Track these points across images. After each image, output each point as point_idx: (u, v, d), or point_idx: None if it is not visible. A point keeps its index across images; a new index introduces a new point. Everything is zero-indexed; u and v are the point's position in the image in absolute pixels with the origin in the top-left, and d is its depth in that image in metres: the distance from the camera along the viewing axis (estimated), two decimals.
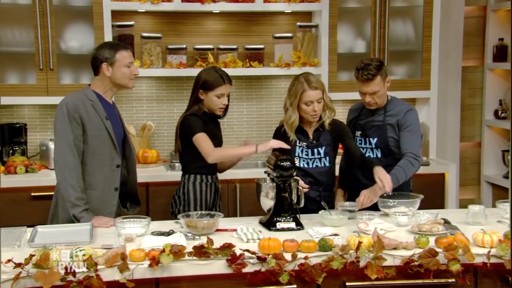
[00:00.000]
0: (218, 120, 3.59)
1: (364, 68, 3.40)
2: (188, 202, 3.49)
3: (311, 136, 3.46)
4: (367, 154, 3.50)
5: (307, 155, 3.44)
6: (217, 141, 3.50)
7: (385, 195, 3.36)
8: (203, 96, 3.44)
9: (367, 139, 3.50)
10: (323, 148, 3.45)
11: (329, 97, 3.46)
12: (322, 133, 3.46)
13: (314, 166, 3.44)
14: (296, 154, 3.45)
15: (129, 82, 3.30)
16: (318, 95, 3.37)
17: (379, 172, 3.20)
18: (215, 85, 3.40)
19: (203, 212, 3.22)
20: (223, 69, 4.52)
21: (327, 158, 3.45)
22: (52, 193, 3.93)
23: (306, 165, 3.44)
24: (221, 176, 3.74)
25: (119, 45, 3.32)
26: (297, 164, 3.38)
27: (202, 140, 3.35)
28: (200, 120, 3.41)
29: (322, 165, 3.44)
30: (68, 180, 3.15)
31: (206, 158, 3.32)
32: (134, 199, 3.50)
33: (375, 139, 3.48)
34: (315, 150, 3.45)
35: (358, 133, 3.53)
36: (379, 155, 3.48)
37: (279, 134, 3.47)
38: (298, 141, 3.45)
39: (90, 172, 3.23)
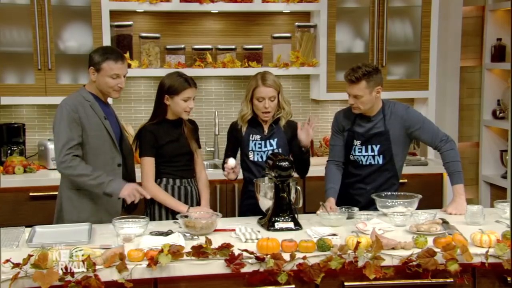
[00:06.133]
0: (195, 123, 3.59)
1: (353, 69, 3.40)
2: (153, 205, 3.45)
3: (266, 130, 3.50)
4: (368, 162, 3.47)
5: (260, 147, 3.46)
6: (180, 146, 3.45)
7: (383, 194, 3.37)
8: (168, 102, 3.41)
9: (368, 146, 3.45)
10: (276, 140, 3.47)
11: (287, 100, 3.52)
12: (277, 129, 3.49)
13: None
14: (250, 148, 3.48)
15: (112, 92, 3.28)
16: (270, 93, 3.41)
17: None
18: (181, 89, 3.38)
19: (202, 212, 3.22)
20: (221, 69, 4.59)
21: (280, 150, 3.45)
22: (51, 193, 3.95)
23: (260, 159, 3.46)
24: (220, 176, 3.74)
25: (111, 54, 3.25)
26: (251, 158, 3.44)
27: (144, 167, 3.41)
28: (151, 138, 3.39)
29: None
30: (73, 173, 3.15)
31: (142, 185, 3.37)
32: None
33: (378, 146, 3.44)
34: (268, 142, 3.47)
35: (357, 142, 3.47)
36: (380, 162, 3.46)
37: (232, 128, 3.58)
38: (251, 135, 3.49)
39: None
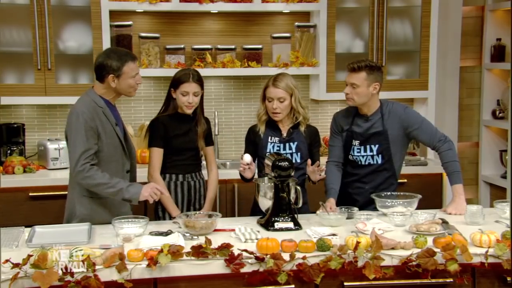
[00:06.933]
0: (207, 120, 3.64)
1: (357, 60, 3.45)
2: (158, 201, 3.47)
3: (284, 133, 3.50)
4: (367, 161, 3.48)
5: (278, 150, 3.46)
6: (188, 140, 3.52)
7: (383, 194, 3.38)
8: (174, 95, 3.50)
9: (367, 146, 3.46)
10: (295, 143, 3.48)
11: (304, 105, 3.50)
12: (296, 133, 3.50)
13: None
14: (268, 150, 3.47)
15: (132, 91, 3.29)
16: (279, 94, 3.42)
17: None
18: (179, 82, 3.46)
19: (202, 212, 3.23)
20: (221, 69, 4.58)
21: (299, 154, 3.47)
22: (51, 193, 3.94)
23: None
24: (219, 176, 3.74)
25: (127, 56, 3.24)
26: (264, 161, 3.40)
27: (152, 157, 3.51)
28: (162, 130, 3.47)
29: (294, 161, 3.41)
30: (92, 182, 3.12)
31: (149, 174, 3.51)
32: None
33: (377, 146, 3.45)
34: (287, 145, 3.47)
35: (356, 142, 3.48)
36: (379, 161, 3.47)
37: (250, 132, 3.59)
38: (270, 137, 3.50)
39: None
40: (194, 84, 3.46)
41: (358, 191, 3.52)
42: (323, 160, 3.63)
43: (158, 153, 3.49)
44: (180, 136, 3.50)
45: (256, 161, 3.49)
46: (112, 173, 3.20)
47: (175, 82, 3.49)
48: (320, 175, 3.36)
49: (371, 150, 3.46)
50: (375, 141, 3.45)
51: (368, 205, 3.42)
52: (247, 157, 3.36)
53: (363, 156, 3.48)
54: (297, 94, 3.46)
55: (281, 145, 3.48)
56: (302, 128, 3.51)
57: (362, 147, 3.47)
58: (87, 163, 3.10)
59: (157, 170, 3.49)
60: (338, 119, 3.59)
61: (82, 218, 3.18)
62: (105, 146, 3.19)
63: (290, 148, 3.47)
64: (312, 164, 3.33)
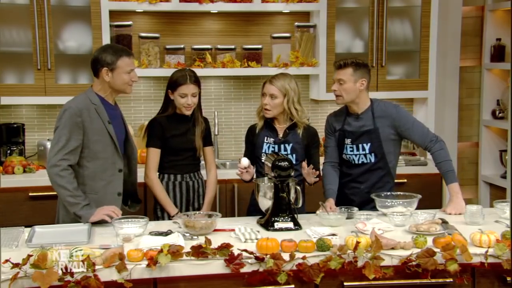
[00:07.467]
0: (206, 119, 3.65)
1: (344, 58, 3.48)
2: (156, 201, 3.53)
3: (280, 134, 3.50)
4: (360, 160, 3.48)
5: (273, 151, 3.46)
6: (186, 141, 3.53)
7: (382, 195, 3.38)
8: (172, 96, 3.50)
9: (359, 145, 3.47)
10: (290, 144, 3.47)
11: (299, 108, 3.47)
12: (293, 134, 3.49)
13: None
14: (263, 151, 3.48)
15: (127, 88, 3.28)
16: (271, 90, 3.43)
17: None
18: (177, 84, 3.46)
19: (202, 212, 3.23)
20: (221, 69, 4.58)
21: (294, 155, 3.47)
22: (50, 193, 3.93)
23: None
24: (219, 176, 3.75)
25: (122, 51, 3.25)
26: (263, 160, 3.40)
27: (149, 157, 3.53)
28: (159, 130, 3.49)
29: None
30: (58, 182, 3.12)
31: (145, 174, 3.52)
32: (134, 198, 3.50)
33: (369, 144, 3.46)
34: (282, 146, 3.47)
35: (348, 140, 3.50)
36: (372, 160, 3.48)
37: (248, 132, 3.61)
38: (266, 138, 3.50)
39: (91, 177, 3.20)
40: (191, 86, 3.46)
41: (353, 191, 3.52)
42: (322, 160, 3.64)
43: (155, 153, 3.50)
44: (177, 136, 3.51)
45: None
46: (100, 170, 3.21)
47: (173, 84, 3.48)
48: (315, 177, 3.35)
49: (363, 149, 3.47)
50: (367, 139, 3.46)
51: (364, 205, 3.42)
52: (245, 161, 3.37)
53: (356, 155, 3.49)
54: (291, 96, 3.44)
55: (276, 146, 3.48)
56: (300, 130, 3.50)
57: (354, 146, 3.49)
58: (65, 160, 3.10)
59: (153, 170, 3.51)
60: (330, 120, 3.62)
61: (64, 220, 3.19)
62: (91, 143, 3.18)
63: (285, 150, 3.47)
64: (307, 166, 3.33)
